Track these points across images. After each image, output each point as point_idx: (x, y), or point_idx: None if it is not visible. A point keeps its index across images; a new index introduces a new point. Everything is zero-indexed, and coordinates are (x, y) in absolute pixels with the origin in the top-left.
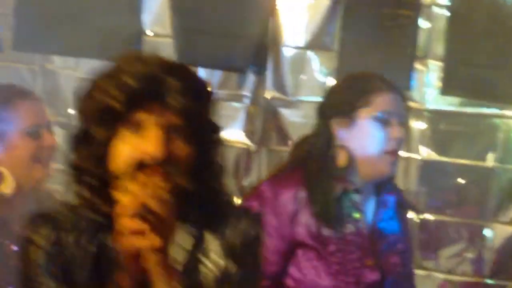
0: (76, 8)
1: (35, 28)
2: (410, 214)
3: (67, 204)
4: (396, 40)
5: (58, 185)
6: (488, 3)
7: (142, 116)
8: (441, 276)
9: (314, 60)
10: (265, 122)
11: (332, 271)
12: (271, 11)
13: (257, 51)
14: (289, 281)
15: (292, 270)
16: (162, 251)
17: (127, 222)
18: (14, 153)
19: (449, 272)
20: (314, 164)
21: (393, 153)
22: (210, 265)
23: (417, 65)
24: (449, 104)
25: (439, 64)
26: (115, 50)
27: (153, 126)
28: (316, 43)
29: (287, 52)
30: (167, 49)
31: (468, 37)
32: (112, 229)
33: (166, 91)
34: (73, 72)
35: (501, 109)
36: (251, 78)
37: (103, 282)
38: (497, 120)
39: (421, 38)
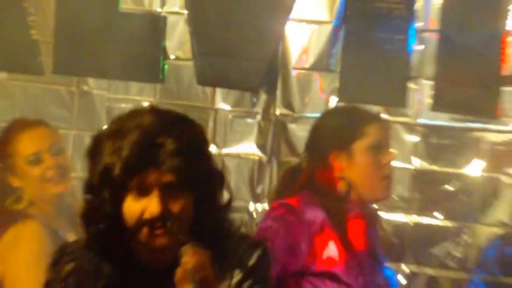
0: (107, 36)
1: (71, 53)
2: (405, 218)
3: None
4: (391, 62)
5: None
6: (475, 28)
7: (139, 180)
8: (430, 270)
9: (318, 80)
10: (275, 136)
11: None
12: (281, 37)
13: (268, 73)
14: None
15: None
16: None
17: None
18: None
19: (438, 267)
20: (323, 193)
21: (388, 177)
22: None
23: (411, 84)
24: (439, 119)
25: (430, 83)
26: (142, 72)
27: (151, 187)
28: (320, 65)
29: (295, 73)
30: (188, 71)
31: (456, 59)
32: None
33: (160, 155)
34: (105, 92)
35: (484, 123)
36: (262, 96)
37: None
38: (481, 134)
39: (414, 60)
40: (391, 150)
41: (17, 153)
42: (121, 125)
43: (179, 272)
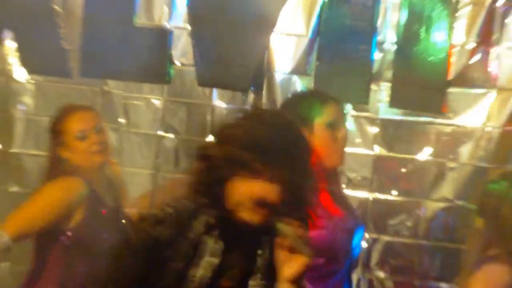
0: (124, 46)
1: (95, 60)
2: (367, 195)
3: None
4: (357, 67)
5: None
6: (425, 41)
7: (261, 167)
8: (387, 238)
9: (297, 83)
10: None
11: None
12: (266, 47)
13: (256, 76)
14: None
15: None
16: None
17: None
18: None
19: (393, 235)
20: None
21: (342, 148)
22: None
23: (372, 86)
24: (395, 114)
25: (389, 85)
26: (152, 75)
27: (271, 177)
28: (298, 70)
29: (278, 76)
30: (190, 74)
31: (410, 65)
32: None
33: (279, 155)
34: (122, 91)
35: (432, 118)
36: (251, 95)
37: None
38: (429, 126)
39: (375, 66)
40: (345, 127)
41: (67, 130)
42: (255, 123)
43: (279, 239)
